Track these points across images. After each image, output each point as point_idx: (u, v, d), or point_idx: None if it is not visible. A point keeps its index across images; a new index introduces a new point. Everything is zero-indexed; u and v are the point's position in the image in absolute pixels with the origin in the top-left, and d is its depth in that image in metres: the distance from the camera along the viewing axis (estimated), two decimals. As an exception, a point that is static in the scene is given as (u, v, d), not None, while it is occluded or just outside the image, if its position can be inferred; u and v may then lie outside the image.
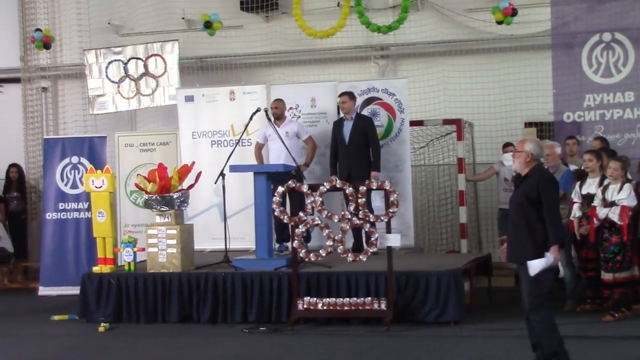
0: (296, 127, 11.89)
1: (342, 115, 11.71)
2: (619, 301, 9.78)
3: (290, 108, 12.28)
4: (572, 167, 10.98)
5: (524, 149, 7.24)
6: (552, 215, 7.04)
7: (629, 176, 10.15)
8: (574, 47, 12.70)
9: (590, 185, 10.01)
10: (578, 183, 10.22)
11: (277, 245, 11.55)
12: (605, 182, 9.84)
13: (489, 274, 11.53)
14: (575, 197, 10.12)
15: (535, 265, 7.00)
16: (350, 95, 11.57)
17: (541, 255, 7.01)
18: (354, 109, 11.59)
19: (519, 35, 13.75)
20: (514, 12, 12.92)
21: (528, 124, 13.77)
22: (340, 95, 11.69)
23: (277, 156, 11.53)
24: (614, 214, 9.63)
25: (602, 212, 9.72)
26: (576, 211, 10.07)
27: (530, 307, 7.09)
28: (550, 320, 7.11)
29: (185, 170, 11.05)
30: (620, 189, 9.66)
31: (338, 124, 11.64)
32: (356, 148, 11.39)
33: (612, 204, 9.66)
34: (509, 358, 7.94)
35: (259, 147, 11.99)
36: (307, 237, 11.07)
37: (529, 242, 7.08)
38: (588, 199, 9.94)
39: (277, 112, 11.78)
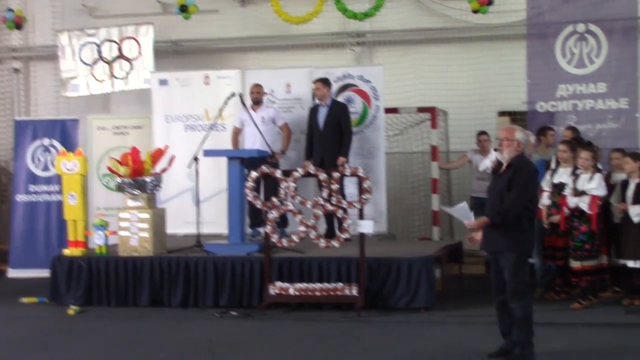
0: (273, 112, 11.86)
1: (317, 101, 11.70)
2: (586, 289, 9.88)
3: (265, 93, 12.26)
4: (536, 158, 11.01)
5: (515, 137, 7.22)
6: (514, 198, 7.08)
7: (600, 166, 10.23)
8: (548, 37, 12.75)
9: (562, 175, 10.09)
10: (550, 172, 10.30)
11: (250, 231, 11.54)
12: (578, 171, 9.92)
13: (460, 261, 11.59)
14: (546, 186, 10.20)
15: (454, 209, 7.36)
16: (324, 81, 11.56)
17: (521, 245, 7.12)
18: (329, 95, 11.58)
19: (494, 24, 13.80)
20: (489, 1, 12.98)
21: (502, 113, 13.84)
22: (314, 82, 11.68)
23: (252, 142, 11.52)
24: (583, 203, 9.72)
25: (572, 201, 9.80)
26: (545, 200, 10.14)
27: (511, 295, 7.14)
28: (530, 310, 7.19)
29: (158, 154, 11.02)
30: (591, 178, 9.74)
31: (313, 110, 11.63)
32: (330, 134, 11.38)
33: (583, 193, 9.74)
34: (478, 344, 7.99)
35: (236, 132, 11.96)
36: (284, 222, 11.08)
37: (506, 230, 7.12)
38: (559, 188, 10.02)
39: (258, 97, 11.76)
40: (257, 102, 11.76)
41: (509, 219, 7.12)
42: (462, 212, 7.33)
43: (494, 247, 7.28)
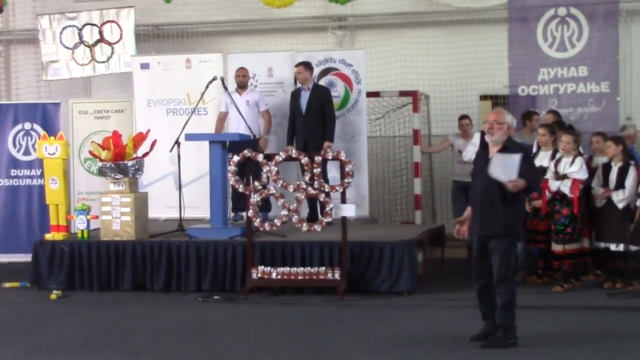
0: (257, 96, 11.84)
1: (299, 85, 11.68)
2: (568, 272, 9.95)
3: (250, 77, 12.20)
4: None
5: (506, 120, 7.27)
6: (532, 174, 7.20)
7: (581, 150, 10.28)
8: (529, 21, 12.77)
9: (543, 159, 10.14)
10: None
11: (232, 215, 11.54)
12: (558, 155, 9.96)
13: (442, 246, 11.62)
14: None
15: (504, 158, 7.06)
16: (306, 65, 11.54)
17: (514, 230, 7.15)
18: (311, 79, 11.56)
19: (475, 8, 13.83)
20: (471, -15, 12.98)
21: (483, 97, 13.88)
22: (296, 66, 11.66)
23: (236, 125, 11.47)
24: (565, 187, 9.77)
25: (554, 184, 9.85)
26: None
27: (499, 279, 7.17)
28: (515, 294, 7.25)
29: (140, 138, 10.99)
30: (572, 162, 9.79)
31: (295, 94, 11.62)
32: (313, 118, 11.37)
33: (564, 177, 9.79)
34: (460, 327, 8.03)
35: (222, 117, 11.91)
36: (267, 206, 11.07)
37: (502, 214, 7.14)
38: (540, 171, 10.05)
39: (243, 81, 11.75)
40: (242, 86, 11.74)
41: (511, 201, 7.13)
42: (511, 165, 7.07)
43: (490, 230, 7.22)
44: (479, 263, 7.35)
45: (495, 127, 7.27)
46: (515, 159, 7.04)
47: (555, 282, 10.11)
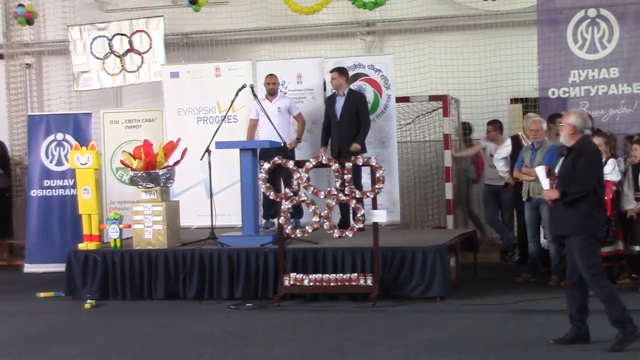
0: (288, 102, 11.85)
1: (334, 90, 11.66)
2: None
3: (279, 84, 12.20)
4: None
5: (567, 121, 7.34)
6: (580, 180, 7.17)
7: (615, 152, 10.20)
8: (559, 23, 12.71)
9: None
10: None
11: (263, 222, 11.55)
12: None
13: (475, 250, 11.57)
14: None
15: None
16: (340, 71, 11.50)
17: (588, 228, 7.15)
18: (345, 85, 11.51)
19: (504, 11, 13.76)
20: (500, -12, 12.92)
21: (514, 100, 13.79)
22: (330, 72, 11.63)
23: (267, 133, 11.45)
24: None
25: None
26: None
27: (588, 278, 7.19)
28: (610, 288, 7.29)
29: (170, 147, 11.03)
30: (605, 164, 9.69)
31: (330, 100, 11.61)
32: (347, 124, 11.35)
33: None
34: (494, 332, 7.99)
35: (253, 124, 11.92)
36: (299, 212, 11.06)
37: (569, 214, 7.18)
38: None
39: (274, 88, 11.76)
40: (272, 93, 11.76)
41: (576, 201, 7.17)
42: (540, 177, 7.49)
43: (561, 230, 7.38)
44: (568, 260, 7.40)
45: (560, 128, 7.42)
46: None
47: (589, 285, 10.00)
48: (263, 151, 10.84)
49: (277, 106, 11.65)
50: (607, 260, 9.78)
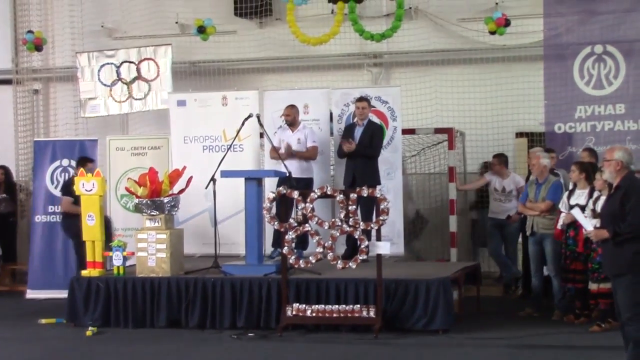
0: (307, 132, 11.86)
1: (354, 120, 11.66)
2: (606, 312, 9.79)
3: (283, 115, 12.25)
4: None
5: (614, 157, 7.10)
6: (631, 220, 6.91)
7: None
8: (566, 59, 12.75)
9: (580, 197, 10.03)
10: (567, 194, 10.26)
11: (272, 250, 11.51)
12: (596, 194, 9.86)
13: (478, 283, 11.54)
14: (563, 207, 10.14)
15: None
16: (369, 101, 11.60)
17: (637, 267, 6.96)
18: (368, 115, 11.61)
19: (511, 45, 13.80)
20: (507, 23, 12.97)
21: (519, 134, 13.82)
22: (359, 101, 11.62)
23: (288, 162, 11.35)
24: (601, 225, 9.64)
25: (590, 223, 9.71)
26: (562, 221, 10.09)
27: (628, 317, 7.02)
28: None
29: (176, 175, 11.04)
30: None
31: (349, 129, 11.65)
32: (363, 154, 11.37)
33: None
34: (496, 367, 7.96)
35: (274, 149, 11.75)
36: (304, 244, 11.02)
37: (619, 253, 7.00)
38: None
39: (287, 119, 11.80)
40: (291, 124, 11.78)
41: (625, 240, 6.98)
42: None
43: (612, 270, 7.17)
44: (617, 299, 7.24)
45: (605, 165, 7.21)
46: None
47: (592, 321, 9.96)
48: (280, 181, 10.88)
49: (297, 137, 11.69)
50: (608, 296, 9.64)
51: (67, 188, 11.81)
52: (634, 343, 7.02)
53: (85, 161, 11.98)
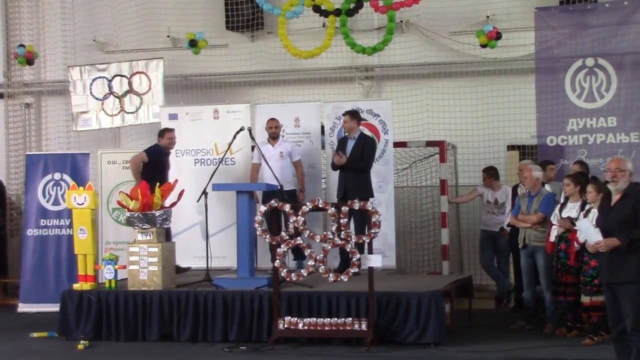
0: (290, 147, 11.91)
1: (346, 133, 11.69)
2: (598, 325, 9.79)
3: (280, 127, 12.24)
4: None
5: (627, 167, 7.37)
6: None
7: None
8: (557, 72, 12.81)
9: (571, 210, 10.05)
10: (558, 207, 10.27)
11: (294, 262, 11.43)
12: (587, 206, 9.87)
13: (470, 296, 11.54)
14: (554, 220, 10.15)
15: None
16: (352, 114, 11.50)
17: None
18: (357, 128, 11.51)
19: (502, 58, 13.86)
20: (498, 36, 13.02)
21: (511, 147, 13.85)
22: (343, 115, 11.66)
23: (270, 176, 11.37)
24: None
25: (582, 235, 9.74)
26: (554, 233, 10.10)
27: (632, 326, 7.06)
28: None
29: (168, 188, 11.03)
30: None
31: (342, 142, 11.63)
32: (354, 168, 11.37)
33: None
34: (488, 380, 7.96)
35: (255, 168, 11.92)
36: (303, 254, 10.91)
37: (629, 261, 7.06)
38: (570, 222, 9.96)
39: (276, 132, 11.84)
40: (274, 137, 11.82)
41: (636, 247, 7.07)
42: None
43: (618, 277, 7.17)
44: (612, 311, 7.27)
45: (619, 175, 7.33)
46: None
47: (584, 334, 9.96)
48: (265, 194, 10.84)
49: (279, 150, 11.71)
50: (601, 309, 9.59)
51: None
52: (637, 352, 7.06)
53: (163, 132, 12.03)
